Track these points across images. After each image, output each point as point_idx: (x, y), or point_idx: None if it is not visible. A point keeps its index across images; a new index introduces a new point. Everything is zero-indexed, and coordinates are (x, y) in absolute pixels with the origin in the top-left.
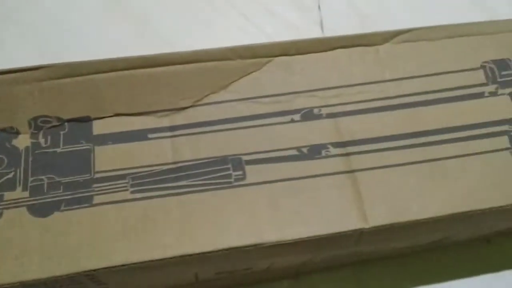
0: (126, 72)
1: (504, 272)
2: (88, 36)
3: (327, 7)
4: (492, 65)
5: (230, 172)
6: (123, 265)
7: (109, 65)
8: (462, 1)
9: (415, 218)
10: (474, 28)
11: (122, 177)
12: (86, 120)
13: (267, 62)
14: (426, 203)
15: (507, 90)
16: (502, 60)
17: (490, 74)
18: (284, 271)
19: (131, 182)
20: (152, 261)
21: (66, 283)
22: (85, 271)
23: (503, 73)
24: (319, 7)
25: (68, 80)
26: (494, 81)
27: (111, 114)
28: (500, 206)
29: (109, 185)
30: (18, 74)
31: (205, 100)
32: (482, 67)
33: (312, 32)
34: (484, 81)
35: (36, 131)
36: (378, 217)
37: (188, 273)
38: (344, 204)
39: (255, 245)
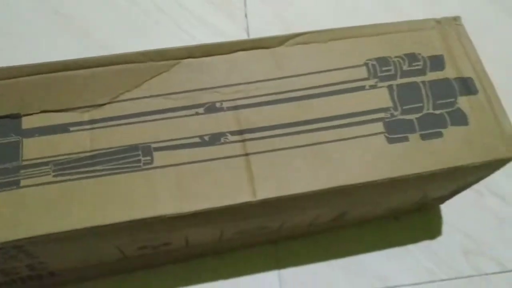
0: (50, 75)
1: (409, 245)
2: (32, 46)
3: (253, 15)
4: (374, 62)
5: (140, 157)
6: (43, 235)
7: (35, 69)
8: (378, 7)
9: (298, 191)
10: (359, 30)
11: (46, 163)
12: (16, 116)
13: (175, 64)
14: (309, 180)
15: (386, 83)
16: (383, 57)
17: (372, 70)
18: (204, 247)
19: (53, 168)
20: (69, 231)
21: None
22: (8, 241)
23: (383, 69)
24: (246, 15)
25: (1, 82)
26: (375, 76)
27: (38, 111)
28: (374, 181)
29: (34, 170)
30: None
31: (121, 97)
32: (365, 64)
33: (239, 37)
34: (366, 76)
35: None
36: (265, 192)
37: (109, 247)
38: (238, 182)
39: (157, 217)
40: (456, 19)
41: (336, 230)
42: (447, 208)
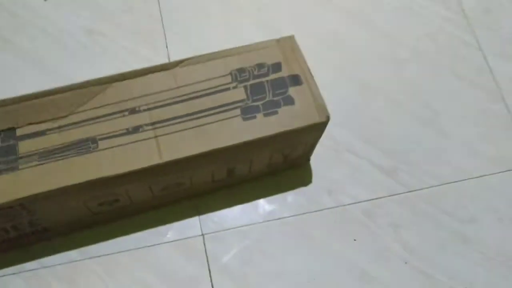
0: (31, 101)
1: (288, 192)
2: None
3: (172, 45)
4: (236, 72)
5: (90, 145)
6: (35, 194)
7: (19, 99)
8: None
9: (189, 154)
10: (227, 52)
11: (33, 154)
12: (12, 129)
13: (107, 87)
14: (195, 147)
15: (243, 85)
16: (242, 68)
17: (234, 77)
18: (144, 204)
19: (37, 157)
20: (50, 191)
21: None
22: (14, 200)
23: (242, 75)
24: (166, 46)
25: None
26: (236, 80)
27: (25, 124)
28: (236, 143)
29: (26, 159)
30: None
31: (76, 110)
32: (230, 73)
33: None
34: (230, 81)
35: None
36: (169, 156)
37: (79, 204)
38: (151, 153)
39: (101, 178)
40: (290, 37)
41: (234, 186)
42: (315, 164)
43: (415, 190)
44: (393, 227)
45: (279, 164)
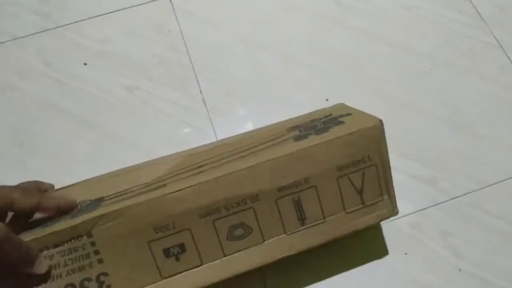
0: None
1: None
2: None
3: (206, 91)
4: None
5: None
6: None
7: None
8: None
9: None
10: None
11: None
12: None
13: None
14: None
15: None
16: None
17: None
18: None
19: None
20: None
21: None
22: None
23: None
24: (200, 91)
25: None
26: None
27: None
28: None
29: None
30: None
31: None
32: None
33: (199, 108)
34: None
35: None
36: None
37: None
38: None
39: None
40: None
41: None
42: None
43: (458, 197)
44: (442, 236)
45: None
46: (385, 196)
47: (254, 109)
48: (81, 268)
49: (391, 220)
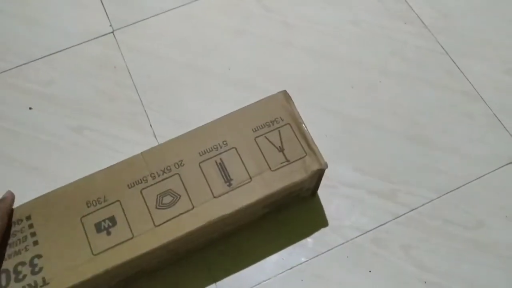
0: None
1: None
2: None
3: (156, 125)
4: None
5: None
6: None
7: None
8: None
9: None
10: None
11: None
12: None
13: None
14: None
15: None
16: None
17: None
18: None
19: None
20: None
21: None
22: None
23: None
24: (150, 125)
25: None
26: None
27: None
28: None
29: None
30: None
31: None
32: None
33: (151, 143)
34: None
35: None
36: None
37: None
38: None
39: None
40: (282, 93)
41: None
42: (313, 204)
43: (417, 208)
44: (404, 250)
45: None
46: (309, 151)
47: None
48: (17, 253)
49: (352, 238)
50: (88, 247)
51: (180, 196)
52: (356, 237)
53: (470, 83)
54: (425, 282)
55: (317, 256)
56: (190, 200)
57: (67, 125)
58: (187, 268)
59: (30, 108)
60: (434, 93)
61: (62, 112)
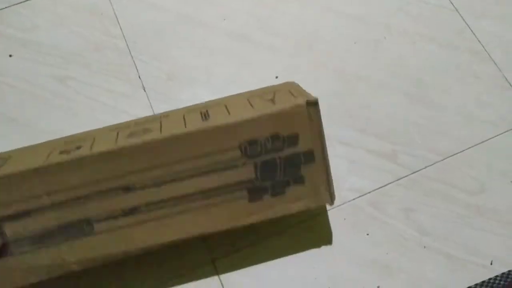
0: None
1: None
2: None
3: (145, 76)
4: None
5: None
6: None
7: None
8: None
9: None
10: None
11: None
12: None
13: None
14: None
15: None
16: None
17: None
18: None
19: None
20: None
21: None
22: None
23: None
24: (139, 77)
25: None
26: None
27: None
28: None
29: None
30: None
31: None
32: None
33: (139, 94)
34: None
35: None
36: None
37: None
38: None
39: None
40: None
41: None
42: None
43: (419, 170)
44: (404, 213)
45: None
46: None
47: (199, 91)
48: None
49: (350, 200)
50: None
51: None
52: (354, 199)
53: (481, 43)
54: (424, 247)
55: (313, 217)
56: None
57: (49, 74)
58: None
59: (10, 56)
60: (441, 52)
61: (45, 60)
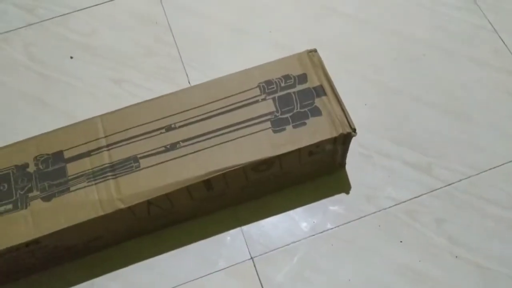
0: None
1: (324, 203)
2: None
3: (195, 82)
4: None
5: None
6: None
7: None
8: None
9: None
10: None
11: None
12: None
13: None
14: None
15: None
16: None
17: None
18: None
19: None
20: None
21: None
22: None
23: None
24: (189, 82)
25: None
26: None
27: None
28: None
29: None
30: None
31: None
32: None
33: None
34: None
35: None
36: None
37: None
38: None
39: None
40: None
41: (271, 194)
42: (348, 171)
43: (453, 183)
44: (437, 223)
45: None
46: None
47: None
48: None
49: (385, 208)
50: None
51: None
52: (390, 207)
53: None
54: (456, 257)
55: (348, 222)
56: None
57: (106, 76)
58: (218, 218)
59: (71, 57)
60: (478, 69)
61: (102, 63)
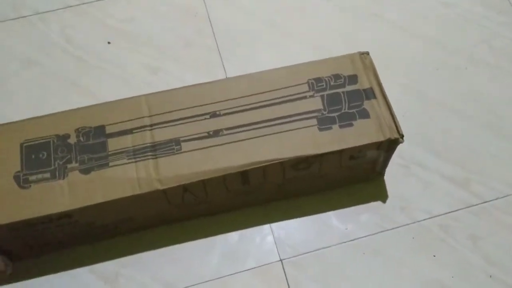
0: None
1: (358, 211)
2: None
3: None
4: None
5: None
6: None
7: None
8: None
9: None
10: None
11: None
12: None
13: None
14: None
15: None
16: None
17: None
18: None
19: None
20: None
21: None
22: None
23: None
24: (226, 76)
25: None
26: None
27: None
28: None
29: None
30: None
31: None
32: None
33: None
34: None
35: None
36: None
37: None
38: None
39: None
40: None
41: (305, 196)
42: (387, 179)
43: (490, 200)
44: (472, 240)
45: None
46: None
47: None
48: None
49: (419, 220)
50: None
51: None
52: (424, 219)
53: None
54: (490, 276)
55: (381, 232)
56: None
57: (143, 63)
58: (249, 215)
59: (108, 43)
60: None
61: (139, 50)
